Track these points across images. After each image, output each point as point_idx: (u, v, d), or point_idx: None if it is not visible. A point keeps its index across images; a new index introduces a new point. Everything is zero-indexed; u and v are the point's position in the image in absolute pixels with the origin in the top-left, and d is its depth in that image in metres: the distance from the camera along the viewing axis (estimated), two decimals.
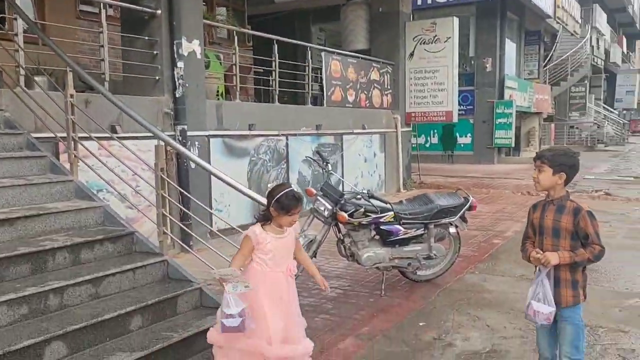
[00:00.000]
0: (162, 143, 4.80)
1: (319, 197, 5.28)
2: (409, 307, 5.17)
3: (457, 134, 18.89)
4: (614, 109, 35.90)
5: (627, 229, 8.52)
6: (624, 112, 39.31)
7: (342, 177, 10.33)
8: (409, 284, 5.83)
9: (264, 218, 3.36)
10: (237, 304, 3.13)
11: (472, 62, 18.97)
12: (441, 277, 5.96)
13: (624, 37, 40.53)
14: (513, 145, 18.89)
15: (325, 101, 10.06)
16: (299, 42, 11.10)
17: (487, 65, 18.30)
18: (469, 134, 18.71)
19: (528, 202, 3.01)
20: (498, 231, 8.45)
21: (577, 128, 28.28)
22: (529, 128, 22.89)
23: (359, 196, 5.29)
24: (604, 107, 33.12)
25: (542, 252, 3.04)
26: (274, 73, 9.06)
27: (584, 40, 26.27)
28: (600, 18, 31.20)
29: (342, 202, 5.21)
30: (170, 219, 4.85)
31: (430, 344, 4.35)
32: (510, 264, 6.53)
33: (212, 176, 6.25)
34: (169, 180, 4.88)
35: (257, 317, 3.22)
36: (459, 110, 17.93)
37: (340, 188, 6.55)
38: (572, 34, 25.78)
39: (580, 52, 25.92)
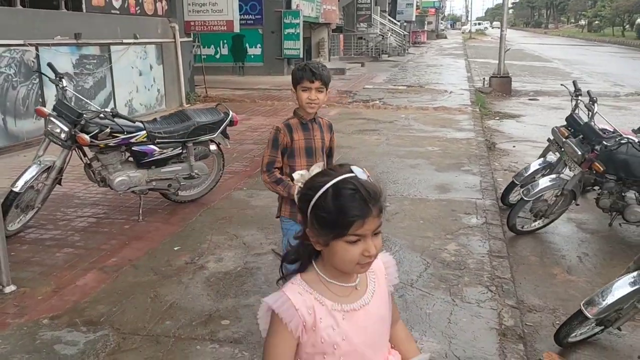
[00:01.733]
0: None
1: (52, 118, 4.62)
2: (166, 232, 4.90)
3: (247, 45, 18.47)
4: (397, 21, 38.26)
5: (392, 135, 9.15)
6: (405, 24, 42.18)
7: (113, 92, 9.46)
8: (171, 206, 5.55)
9: (298, 258, 1.51)
10: None
11: None
12: (207, 196, 5.77)
13: None
14: (302, 55, 19.03)
15: (84, 5, 8.87)
16: None
17: None
18: (258, 45, 18.38)
19: None
20: None
21: (364, 39, 29.62)
22: (318, 39, 23.36)
23: (102, 115, 4.73)
24: (388, 20, 35.04)
25: None
26: None
27: None
28: None
29: (83, 122, 4.62)
30: None
31: (182, 269, 4.15)
32: None
33: None
34: None
35: None
36: (248, 20, 17.51)
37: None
38: None
39: None
